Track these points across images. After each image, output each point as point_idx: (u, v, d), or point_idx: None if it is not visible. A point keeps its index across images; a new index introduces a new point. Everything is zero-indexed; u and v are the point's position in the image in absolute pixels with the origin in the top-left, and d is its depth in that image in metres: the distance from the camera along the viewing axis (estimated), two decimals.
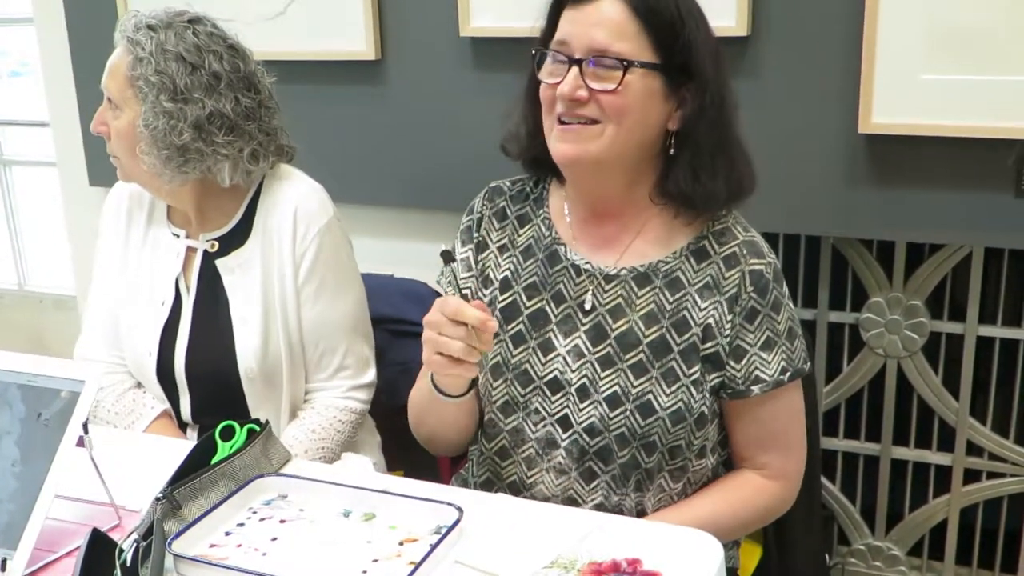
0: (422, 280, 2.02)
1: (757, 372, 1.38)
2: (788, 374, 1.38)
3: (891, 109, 1.88)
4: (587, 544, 1.19)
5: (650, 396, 1.37)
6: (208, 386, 1.68)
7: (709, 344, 1.37)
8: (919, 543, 2.28)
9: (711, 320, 1.37)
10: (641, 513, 1.42)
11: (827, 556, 2.18)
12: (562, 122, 1.33)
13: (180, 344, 1.68)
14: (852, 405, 2.24)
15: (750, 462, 1.45)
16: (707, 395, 1.38)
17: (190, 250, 1.70)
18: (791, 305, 1.41)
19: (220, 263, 1.67)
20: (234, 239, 1.68)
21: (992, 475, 2.17)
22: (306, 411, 1.70)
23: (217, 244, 1.68)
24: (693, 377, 1.37)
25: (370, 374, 1.74)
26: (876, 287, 2.14)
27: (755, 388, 1.38)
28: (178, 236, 1.70)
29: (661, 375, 1.37)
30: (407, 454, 1.84)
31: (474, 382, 1.39)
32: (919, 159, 1.92)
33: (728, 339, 1.37)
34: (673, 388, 1.37)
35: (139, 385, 1.75)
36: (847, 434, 2.26)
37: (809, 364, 1.43)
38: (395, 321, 1.92)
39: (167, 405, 1.72)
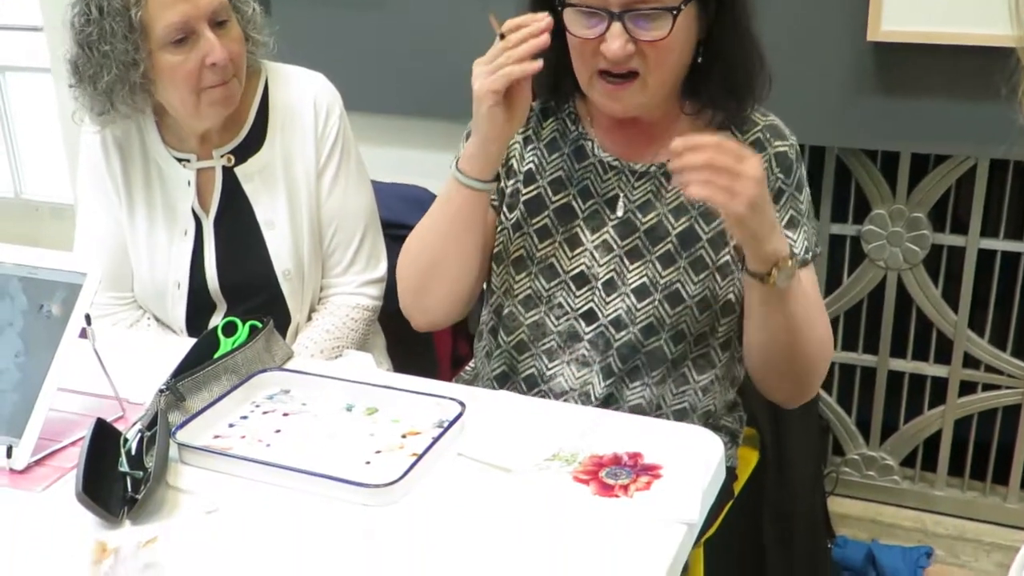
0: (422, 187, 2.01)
1: None
2: (811, 254, 1.37)
3: (901, 16, 1.85)
4: (588, 439, 1.20)
5: (678, 285, 1.37)
6: (247, 297, 1.67)
7: None
8: (912, 454, 2.30)
9: None
10: (657, 407, 1.42)
11: (822, 465, 2.21)
12: (603, 74, 1.29)
13: (210, 264, 1.65)
14: (851, 317, 2.25)
15: None
16: (735, 282, 1.38)
17: (203, 171, 1.66)
18: (807, 186, 1.41)
19: (240, 171, 1.65)
20: (250, 146, 1.66)
21: (988, 387, 2.19)
22: (319, 312, 1.71)
23: (233, 157, 1.65)
24: (720, 263, 1.37)
25: (381, 268, 1.74)
26: (879, 199, 2.13)
27: None
28: (187, 162, 1.65)
29: (689, 264, 1.37)
30: (406, 358, 1.85)
31: (496, 179, 1.38)
32: (928, 68, 1.89)
33: None
34: (701, 276, 1.37)
35: (140, 318, 1.73)
36: (845, 346, 2.27)
37: (820, 248, 1.41)
38: (393, 226, 1.91)
39: (181, 335, 1.69)
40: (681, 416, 1.44)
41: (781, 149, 1.37)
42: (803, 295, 1.28)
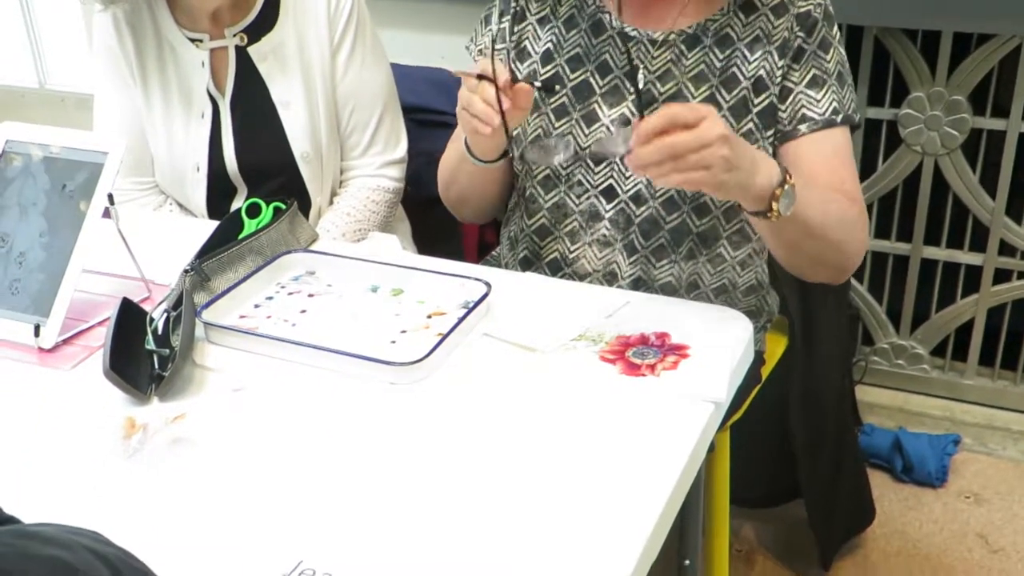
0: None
1: (804, 110, 1.31)
2: (840, 116, 1.32)
3: None
4: (615, 319, 1.19)
5: None
6: (266, 179, 1.65)
7: (762, 97, 1.32)
8: (943, 343, 2.28)
9: (762, 72, 1.31)
10: (692, 286, 1.41)
11: (851, 353, 2.19)
12: None
13: (228, 146, 1.64)
14: (885, 204, 2.21)
15: None
16: (761, 149, 1.31)
17: (216, 52, 1.63)
18: (842, 49, 1.34)
19: (253, 51, 1.62)
20: (263, 25, 1.62)
21: (1023, 275, 2.15)
22: (340, 195, 1.70)
23: (246, 36, 1.62)
24: (742, 131, 1.32)
25: (401, 149, 1.72)
26: (918, 81, 2.06)
27: (802, 127, 1.31)
28: (200, 42, 1.62)
29: None
30: (432, 244, 1.84)
31: (505, 154, 1.37)
32: None
33: (778, 86, 1.31)
34: None
35: (163, 203, 1.72)
36: (878, 234, 2.23)
37: (859, 115, 1.35)
38: (420, 110, 1.88)
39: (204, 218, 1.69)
40: (721, 292, 1.43)
41: (804, 8, 1.31)
42: (808, 199, 1.18)
